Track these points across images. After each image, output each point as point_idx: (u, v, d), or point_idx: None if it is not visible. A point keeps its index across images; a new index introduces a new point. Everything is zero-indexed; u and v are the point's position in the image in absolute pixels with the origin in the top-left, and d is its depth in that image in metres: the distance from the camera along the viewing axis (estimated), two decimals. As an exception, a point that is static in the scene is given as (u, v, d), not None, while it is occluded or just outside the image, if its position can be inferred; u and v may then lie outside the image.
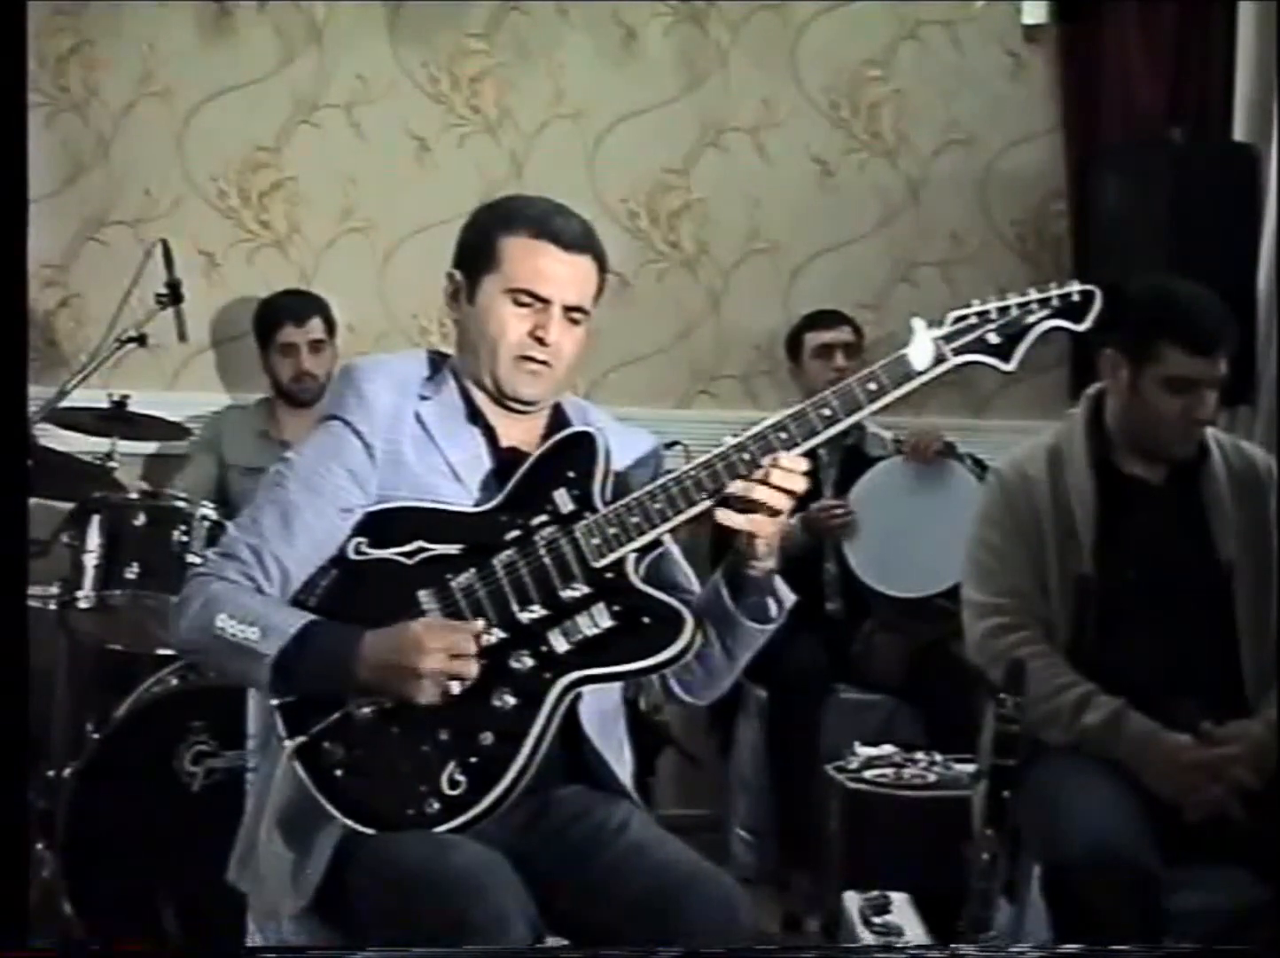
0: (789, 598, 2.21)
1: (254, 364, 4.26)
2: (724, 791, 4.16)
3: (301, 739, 2.08)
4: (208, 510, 3.50)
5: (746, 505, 2.06)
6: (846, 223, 4.63)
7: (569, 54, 4.54)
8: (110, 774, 3.33)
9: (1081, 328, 2.14)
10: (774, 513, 2.06)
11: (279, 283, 4.33)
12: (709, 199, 4.61)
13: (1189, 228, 4.07)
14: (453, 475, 2.20)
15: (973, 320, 2.12)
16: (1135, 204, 4.22)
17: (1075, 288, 2.14)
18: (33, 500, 3.55)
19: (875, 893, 2.89)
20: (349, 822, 2.07)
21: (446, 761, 2.06)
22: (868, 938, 2.78)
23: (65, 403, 3.71)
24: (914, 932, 2.79)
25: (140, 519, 3.46)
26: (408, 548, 2.13)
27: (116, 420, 3.72)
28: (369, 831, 2.06)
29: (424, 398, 2.23)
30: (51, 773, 3.41)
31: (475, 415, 2.25)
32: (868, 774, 3.33)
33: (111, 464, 3.65)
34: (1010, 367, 2.12)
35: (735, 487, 2.06)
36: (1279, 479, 2.85)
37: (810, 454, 4.22)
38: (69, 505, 3.54)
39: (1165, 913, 2.49)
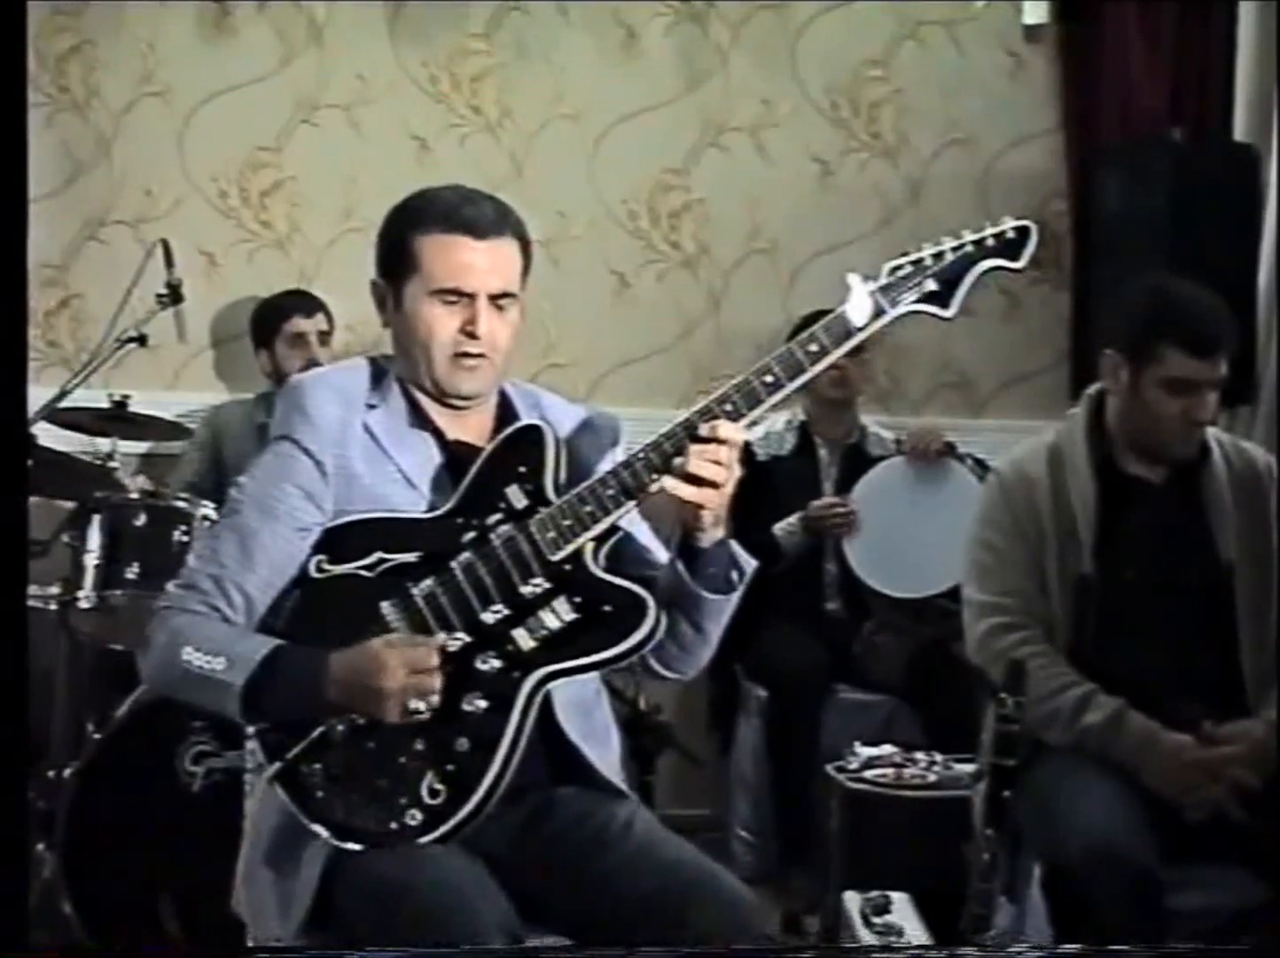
0: (749, 565, 2.17)
1: (254, 364, 4.26)
2: (724, 791, 4.16)
3: (279, 765, 2.08)
4: (208, 510, 3.49)
5: (690, 479, 2.03)
6: (846, 223, 4.63)
7: (569, 54, 4.53)
8: (110, 774, 3.32)
9: (1019, 265, 2.09)
10: (714, 485, 2.03)
11: (279, 283, 4.33)
12: (709, 199, 4.61)
13: (1189, 228, 4.07)
14: (406, 482, 2.18)
15: (908, 270, 2.07)
16: (1135, 204, 4.22)
17: (1010, 224, 2.09)
18: (33, 500, 3.55)
19: (875, 893, 2.88)
20: (334, 841, 2.06)
21: (425, 770, 2.05)
22: (868, 938, 2.77)
23: (65, 403, 3.70)
24: (914, 932, 2.78)
25: (141, 519, 3.45)
26: (368, 561, 2.12)
27: (116, 420, 3.72)
28: (354, 847, 2.05)
29: (371, 407, 2.21)
30: (51, 773, 3.39)
31: (422, 419, 2.23)
32: (868, 774, 3.32)
33: (112, 464, 3.64)
34: (950, 313, 2.08)
35: (676, 462, 2.03)
36: (1279, 479, 2.85)
37: (811, 454, 4.29)
38: (70, 505, 3.54)
39: (1165, 913, 2.50)
